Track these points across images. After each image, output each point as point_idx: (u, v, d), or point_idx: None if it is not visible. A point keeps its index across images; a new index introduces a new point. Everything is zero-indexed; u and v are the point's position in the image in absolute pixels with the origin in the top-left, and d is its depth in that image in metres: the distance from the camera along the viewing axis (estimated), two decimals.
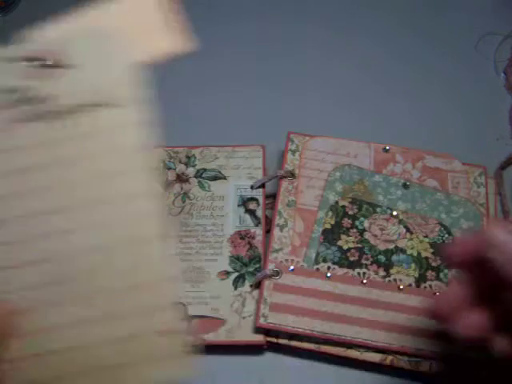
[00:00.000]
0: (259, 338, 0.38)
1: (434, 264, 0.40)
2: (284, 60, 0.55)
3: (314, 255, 0.40)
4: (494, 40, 0.55)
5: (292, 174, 0.43)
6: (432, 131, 0.49)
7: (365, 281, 0.39)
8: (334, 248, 0.40)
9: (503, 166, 0.46)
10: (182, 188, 0.45)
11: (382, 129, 0.49)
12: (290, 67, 0.55)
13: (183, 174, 0.45)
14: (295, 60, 0.55)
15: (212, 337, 0.38)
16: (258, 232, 0.42)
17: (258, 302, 0.38)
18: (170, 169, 0.46)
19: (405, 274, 0.39)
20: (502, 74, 0.52)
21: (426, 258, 0.40)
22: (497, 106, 0.51)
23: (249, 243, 0.42)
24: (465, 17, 0.57)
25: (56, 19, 0.32)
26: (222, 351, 0.40)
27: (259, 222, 0.43)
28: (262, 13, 0.59)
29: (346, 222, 0.41)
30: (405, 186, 0.43)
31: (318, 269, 0.39)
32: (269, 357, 0.40)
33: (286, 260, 0.39)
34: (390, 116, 0.51)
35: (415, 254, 0.40)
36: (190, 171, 0.45)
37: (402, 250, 0.40)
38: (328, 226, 0.41)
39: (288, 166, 0.43)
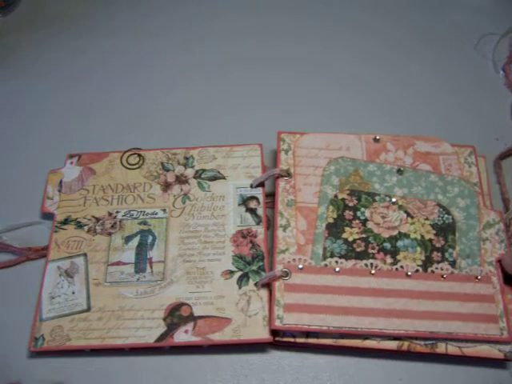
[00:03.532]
0: (266, 336, 0.38)
1: (438, 245, 0.40)
2: (274, 59, 0.56)
3: (320, 251, 0.40)
4: (493, 40, 0.56)
5: (288, 174, 0.43)
6: (432, 130, 0.49)
7: (373, 271, 0.39)
8: (339, 241, 0.40)
9: (502, 156, 0.47)
10: (181, 189, 0.44)
11: (382, 130, 0.48)
12: (279, 65, 0.55)
13: (182, 175, 0.45)
14: (285, 58, 0.56)
15: (218, 336, 0.38)
16: (260, 230, 0.42)
17: (271, 305, 0.38)
18: (168, 170, 0.45)
19: (411, 259, 0.40)
20: (501, 72, 0.53)
21: (430, 240, 0.40)
22: (497, 105, 0.52)
23: (251, 242, 0.42)
24: (465, 17, 0.58)
25: None
26: (225, 349, 0.39)
27: (260, 221, 0.42)
28: (258, 9, 0.60)
29: (348, 214, 0.41)
30: (399, 171, 0.43)
31: (326, 265, 0.39)
32: (272, 354, 0.40)
33: (294, 259, 0.39)
34: (390, 116, 0.51)
35: (419, 237, 0.40)
36: (189, 172, 0.45)
37: (406, 235, 0.41)
38: (331, 220, 0.41)
39: (283, 166, 0.43)
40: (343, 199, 0.42)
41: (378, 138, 0.45)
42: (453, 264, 0.40)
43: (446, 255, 0.40)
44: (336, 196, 0.42)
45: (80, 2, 0.61)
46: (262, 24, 0.58)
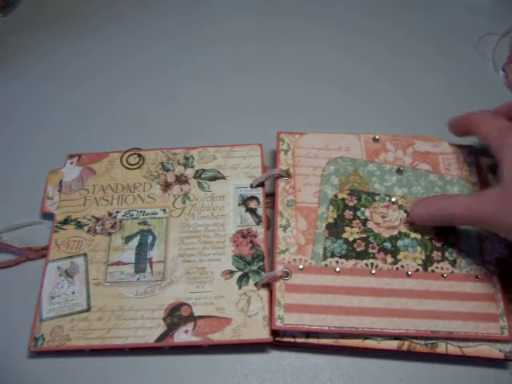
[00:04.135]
0: (266, 336, 0.38)
1: (438, 244, 0.40)
2: (273, 61, 0.56)
3: (321, 251, 0.40)
4: (493, 40, 0.56)
5: (288, 174, 0.43)
6: (432, 130, 0.48)
7: (374, 271, 0.39)
8: (340, 241, 0.40)
9: None
10: (181, 189, 0.44)
11: (381, 130, 0.48)
12: (279, 67, 0.55)
13: (182, 175, 0.45)
14: (284, 60, 0.56)
15: (218, 336, 0.38)
16: (260, 230, 0.42)
17: (271, 305, 0.38)
18: (168, 170, 0.45)
19: (412, 258, 0.40)
20: (501, 72, 0.53)
21: (430, 239, 0.40)
22: (497, 106, 0.51)
23: (251, 242, 0.42)
24: (465, 17, 0.58)
25: None
26: (225, 349, 0.39)
27: (260, 221, 0.42)
28: (261, 11, 0.60)
29: (348, 213, 0.41)
30: (398, 171, 0.43)
31: (326, 265, 0.39)
32: (272, 354, 0.39)
33: (294, 260, 0.39)
34: (389, 116, 0.51)
35: (419, 236, 0.40)
36: (189, 172, 0.45)
37: (406, 235, 0.41)
38: (331, 220, 0.41)
39: (282, 166, 0.43)
40: (343, 199, 0.42)
41: (377, 137, 0.45)
42: (453, 263, 0.40)
43: (446, 254, 0.40)
44: (336, 196, 0.42)
45: (81, 2, 0.61)
46: (262, 28, 0.58)
